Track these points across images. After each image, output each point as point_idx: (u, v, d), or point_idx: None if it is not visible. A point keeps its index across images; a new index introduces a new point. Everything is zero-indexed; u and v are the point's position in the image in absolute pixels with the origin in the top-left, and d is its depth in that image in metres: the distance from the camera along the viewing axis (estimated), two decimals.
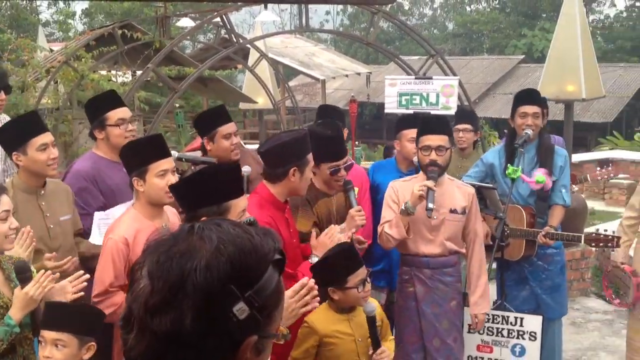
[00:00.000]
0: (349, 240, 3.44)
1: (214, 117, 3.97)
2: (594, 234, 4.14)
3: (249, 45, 9.99)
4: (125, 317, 1.02)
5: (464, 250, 3.87)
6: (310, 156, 3.22)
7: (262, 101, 11.60)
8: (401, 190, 3.73)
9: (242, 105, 13.03)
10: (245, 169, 3.75)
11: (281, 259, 1.07)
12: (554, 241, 4.17)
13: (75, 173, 3.72)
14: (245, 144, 12.02)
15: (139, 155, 3.01)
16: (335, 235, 3.26)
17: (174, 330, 0.97)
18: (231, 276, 0.98)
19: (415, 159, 4.01)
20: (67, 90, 7.99)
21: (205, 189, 2.38)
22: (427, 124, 3.74)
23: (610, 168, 5.59)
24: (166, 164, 3.01)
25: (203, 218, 2.25)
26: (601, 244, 4.09)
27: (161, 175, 2.95)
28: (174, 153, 3.72)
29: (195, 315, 0.96)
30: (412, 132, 4.21)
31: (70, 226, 3.43)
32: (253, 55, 11.22)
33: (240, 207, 2.48)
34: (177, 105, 8.68)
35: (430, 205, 3.50)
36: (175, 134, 14.05)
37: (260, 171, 3.42)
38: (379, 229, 3.71)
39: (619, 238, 4.09)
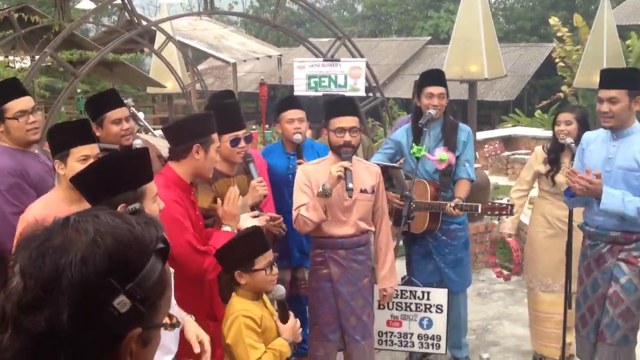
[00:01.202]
0: (264, 223, 3.47)
1: (102, 101, 3.81)
2: (489, 203, 4.31)
3: (155, 28, 9.77)
4: None
5: (373, 228, 3.96)
6: (215, 136, 3.20)
7: (170, 85, 11.37)
8: (313, 174, 3.77)
9: (150, 90, 12.73)
10: (137, 142, 3.69)
11: (164, 247, 1.05)
12: (463, 212, 4.32)
13: None
14: (154, 129, 11.80)
15: (63, 138, 2.95)
16: (237, 197, 3.27)
17: (49, 328, 0.94)
18: (110, 269, 0.96)
19: (296, 137, 4.25)
20: None
21: (120, 174, 2.32)
22: (338, 106, 3.79)
23: (497, 145, 5.86)
24: (89, 149, 2.97)
25: (121, 206, 2.22)
26: (496, 212, 4.27)
27: (82, 160, 2.91)
28: None
29: (72, 312, 0.94)
30: (290, 114, 4.36)
31: None
32: (160, 38, 10.97)
33: (154, 191, 2.45)
34: (80, 90, 8.38)
35: (350, 185, 3.58)
36: None
37: (157, 154, 3.38)
38: (294, 213, 3.72)
39: (512, 206, 4.28)
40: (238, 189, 3.54)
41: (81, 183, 2.36)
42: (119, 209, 2.21)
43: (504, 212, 4.25)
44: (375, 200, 3.90)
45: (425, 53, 24.52)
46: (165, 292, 1.06)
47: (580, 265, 3.92)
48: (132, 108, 9.52)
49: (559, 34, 18.99)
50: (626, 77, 3.66)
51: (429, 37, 26.67)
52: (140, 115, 10.38)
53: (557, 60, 19.20)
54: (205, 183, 3.56)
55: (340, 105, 3.80)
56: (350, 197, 3.62)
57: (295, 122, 4.36)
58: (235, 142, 3.60)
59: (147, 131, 9.81)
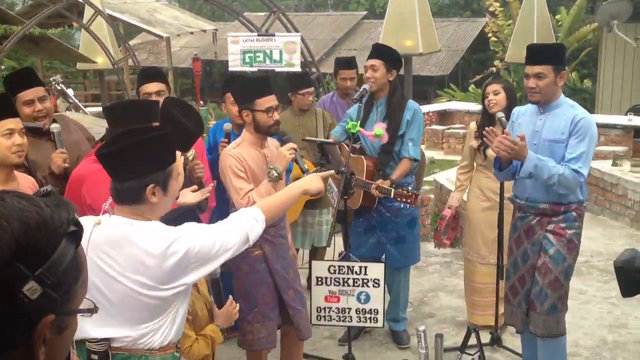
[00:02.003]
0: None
1: (15, 81, 3.62)
2: (400, 190, 4.31)
3: (83, 1, 9.43)
4: None
5: None
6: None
7: (101, 61, 11.05)
8: (248, 157, 3.65)
9: (81, 66, 12.35)
10: (55, 126, 3.54)
11: (77, 230, 1.01)
12: (383, 194, 4.33)
13: None
14: (85, 106, 11.44)
15: None
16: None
17: None
18: (17, 254, 0.92)
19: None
20: None
21: (152, 154, 2.25)
22: (260, 86, 3.68)
23: (426, 116, 5.90)
24: (12, 123, 2.91)
25: (151, 185, 2.19)
26: (404, 199, 4.29)
27: (6, 135, 2.85)
28: None
29: None
30: None
31: None
32: (88, 12, 10.62)
33: (178, 170, 2.38)
34: (4, 67, 8.01)
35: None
36: None
37: (87, 136, 3.26)
38: (242, 201, 3.56)
39: (417, 195, 4.31)
40: None
41: (109, 162, 2.26)
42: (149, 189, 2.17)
43: (409, 201, 4.27)
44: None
45: (362, 28, 24.54)
46: (80, 277, 1.02)
47: (510, 237, 4.01)
48: (61, 85, 9.18)
49: (491, 9, 19.32)
50: (552, 53, 3.73)
51: (365, 12, 26.69)
52: (70, 92, 10.03)
53: (489, 35, 19.56)
54: None
55: (263, 84, 3.71)
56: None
57: None
58: None
59: (77, 109, 9.50)
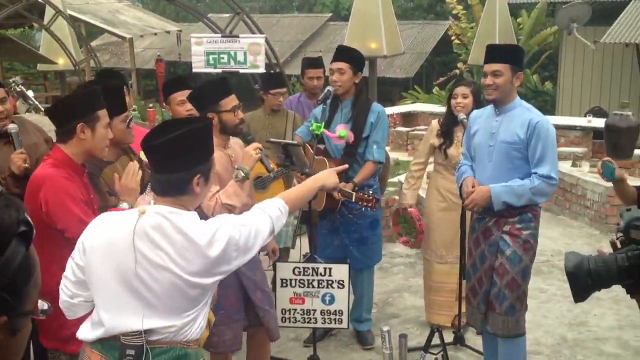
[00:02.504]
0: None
1: None
2: (361, 194, 4.34)
3: (43, 2, 9.28)
4: None
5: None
6: (102, 112, 3.03)
7: (62, 62, 10.90)
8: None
9: (41, 67, 12.17)
10: (12, 127, 3.49)
11: (27, 230, 0.99)
12: (344, 197, 4.35)
13: None
14: (46, 108, 11.25)
15: None
16: (136, 171, 3.16)
17: None
18: None
19: None
20: None
21: (200, 145, 2.28)
22: (222, 86, 3.67)
23: (390, 118, 5.95)
24: None
25: (197, 175, 2.21)
26: (365, 203, 4.31)
27: None
28: None
29: None
30: (180, 95, 4.23)
31: None
32: (49, 13, 10.45)
33: (214, 161, 2.40)
34: None
35: (271, 166, 3.54)
36: None
37: (45, 138, 3.21)
38: (210, 203, 3.51)
39: (377, 200, 4.35)
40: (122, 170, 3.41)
41: (156, 154, 2.25)
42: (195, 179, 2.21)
43: (369, 205, 4.29)
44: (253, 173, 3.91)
45: (327, 30, 24.60)
46: (31, 278, 1.00)
47: (469, 239, 4.07)
48: (20, 86, 9.01)
49: (454, 12, 19.54)
50: (509, 53, 3.81)
51: (330, 14, 26.76)
52: (30, 93, 9.85)
53: (452, 37, 19.76)
54: (94, 179, 3.34)
55: (225, 85, 3.70)
56: (273, 177, 3.60)
57: (187, 103, 4.27)
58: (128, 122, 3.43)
59: (37, 110, 9.33)
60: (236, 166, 3.54)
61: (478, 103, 4.64)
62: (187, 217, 2.23)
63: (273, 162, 4.30)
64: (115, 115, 3.30)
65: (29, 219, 1.01)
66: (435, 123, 4.91)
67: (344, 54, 4.57)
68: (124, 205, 3.09)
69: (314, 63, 5.58)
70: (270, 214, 2.41)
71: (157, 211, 2.21)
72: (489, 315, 3.87)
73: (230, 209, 3.53)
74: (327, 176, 2.74)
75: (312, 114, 4.76)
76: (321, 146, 4.60)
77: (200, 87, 3.76)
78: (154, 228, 2.19)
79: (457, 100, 4.65)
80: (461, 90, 4.67)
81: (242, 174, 3.50)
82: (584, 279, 1.81)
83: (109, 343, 2.22)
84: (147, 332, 2.20)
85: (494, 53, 3.78)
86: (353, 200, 4.29)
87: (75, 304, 2.35)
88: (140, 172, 3.25)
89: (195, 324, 2.28)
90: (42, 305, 1.07)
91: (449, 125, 4.75)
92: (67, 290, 2.35)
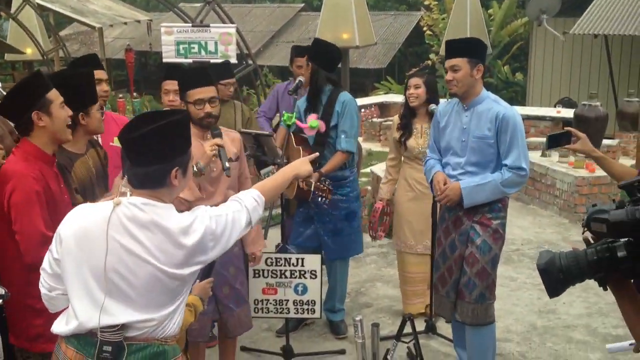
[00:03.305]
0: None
1: None
2: (318, 183, 4.36)
3: None
4: None
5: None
6: (53, 94, 2.93)
7: (30, 52, 10.73)
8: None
9: (8, 57, 11.96)
10: None
11: None
12: (307, 186, 4.35)
13: None
14: None
15: None
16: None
17: None
18: None
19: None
20: None
21: (179, 137, 2.25)
22: (192, 77, 3.63)
23: (372, 109, 5.98)
24: None
25: (175, 168, 2.19)
26: (319, 193, 4.34)
27: None
28: None
29: None
30: (166, 84, 4.26)
31: None
32: (17, 1, 10.25)
33: (192, 155, 2.37)
34: None
35: (227, 165, 3.51)
36: None
37: (9, 129, 3.14)
38: None
39: (331, 190, 4.38)
40: (94, 162, 3.37)
41: (132, 147, 2.20)
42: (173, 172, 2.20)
43: (323, 195, 4.33)
44: (240, 166, 3.87)
45: (299, 20, 24.48)
46: None
47: (439, 228, 4.10)
48: None
49: (426, 2, 19.62)
50: (466, 46, 3.82)
51: (302, 4, 26.63)
52: None
53: (425, 28, 19.84)
54: (64, 173, 3.27)
55: (196, 76, 3.65)
56: (229, 175, 3.57)
57: (170, 93, 4.24)
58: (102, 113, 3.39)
59: None
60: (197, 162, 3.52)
61: (433, 93, 4.69)
62: (162, 209, 2.21)
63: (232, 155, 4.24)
64: (91, 105, 3.26)
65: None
66: (396, 117, 4.97)
67: (302, 48, 4.74)
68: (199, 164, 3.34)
69: (301, 51, 5.50)
70: (247, 204, 2.41)
71: (132, 202, 2.19)
72: (458, 304, 3.91)
73: (181, 201, 3.52)
74: (300, 164, 2.75)
75: (297, 104, 4.75)
76: (305, 135, 4.59)
77: (179, 75, 3.76)
78: (130, 219, 2.17)
79: (410, 92, 4.75)
80: (414, 81, 4.75)
81: (195, 169, 3.48)
82: (556, 274, 1.85)
83: (85, 339, 2.19)
84: (124, 327, 2.18)
85: (452, 48, 3.80)
86: (312, 189, 4.30)
87: (54, 297, 2.31)
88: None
89: (173, 318, 2.27)
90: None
91: (407, 117, 4.81)
92: (45, 284, 2.32)
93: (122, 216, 2.17)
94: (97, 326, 2.15)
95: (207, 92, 3.58)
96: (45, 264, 2.32)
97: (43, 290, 2.32)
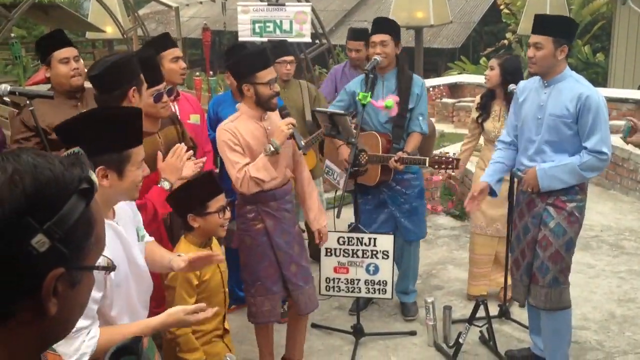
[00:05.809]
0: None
1: (49, 41, 3.83)
2: (436, 157, 4.34)
3: None
4: None
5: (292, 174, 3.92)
6: (142, 77, 3.06)
7: (110, 30, 11.02)
8: (244, 131, 3.59)
9: (90, 35, 12.32)
10: (3, 87, 3.55)
11: (89, 187, 1.03)
12: (404, 165, 4.32)
13: None
14: None
15: None
16: (183, 154, 3.17)
17: None
18: (27, 208, 0.95)
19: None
20: None
21: (109, 132, 2.14)
22: (260, 58, 3.60)
23: (437, 90, 5.94)
24: None
25: (100, 167, 2.11)
26: (443, 166, 4.30)
27: None
28: (5, 87, 3.44)
29: None
30: (170, 53, 4.16)
31: None
32: None
33: (141, 156, 2.27)
34: (14, 35, 7.96)
35: (302, 142, 3.54)
36: (17, 67, 13.03)
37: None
38: (239, 175, 3.54)
39: (458, 160, 4.33)
40: (166, 141, 3.40)
41: (65, 138, 2.18)
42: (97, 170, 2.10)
43: (449, 167, 4.28)
44: (293, 144, 3.83)
45: None
46: (92, 233, 1.04)
47: (514, 211, 4.00)
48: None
49: None
50: (554, 25, 3.62)
51: None
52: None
53: (501, 7, 19.30)
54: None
55: (263, 57, 3.62)
56: (305, 153, 3.59)
57: (179, 61, 4.23)
58: (158, 97, 3.37)
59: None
60: (271, 140, 3.54)
61: (509, 75, 4.55)
62: None
63: (305, 139, 4.25)
64: (149, 87, 3.28)
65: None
66: (478, 97, 4.93)
67: (385, 25, 4.50)
68: (164, 184, 3.11)
69: (354, 35, 5.51)
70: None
71: None
72: (532, 288, 3.81)
73: (258, 183, 3.54)
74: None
75: (347, 89, 4.68)
76: (354, 121, 4.54)
77: (240, 58, 3.70)
78: None
79: (486, 72, 4.71)
80: (490, 62, 4.75)
81: (272, 148, 3.49)
82: None
83: None
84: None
85: (538, 24, 3.63)
86: (427, 165, 4.29)
87: None
88: (190, 151, 3.25)
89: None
90: (103, 261, 1.10)
91: (487, 98, 4.76)
92: None
93: None
94: None
95: (273, 72, 3.61)
96: None
97: None
